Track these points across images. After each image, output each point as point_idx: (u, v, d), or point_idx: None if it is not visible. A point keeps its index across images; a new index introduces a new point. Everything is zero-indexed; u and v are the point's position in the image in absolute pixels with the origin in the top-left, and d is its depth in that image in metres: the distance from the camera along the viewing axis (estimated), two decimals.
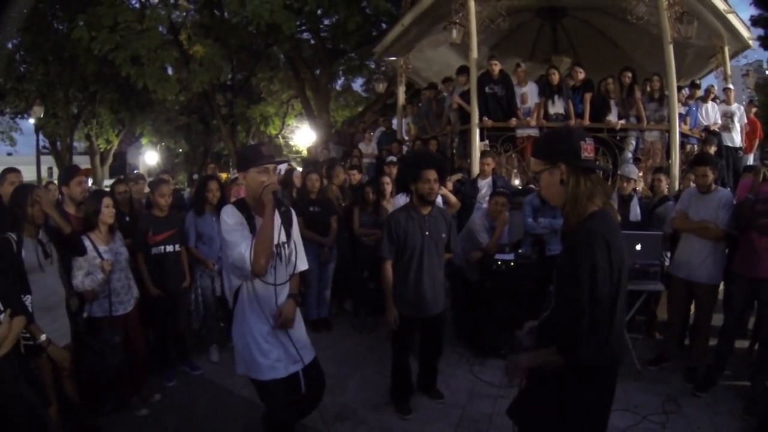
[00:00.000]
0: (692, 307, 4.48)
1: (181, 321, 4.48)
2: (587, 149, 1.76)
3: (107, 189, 5.79)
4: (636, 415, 3.55)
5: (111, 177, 18.84)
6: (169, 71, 12.34)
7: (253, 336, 2.57)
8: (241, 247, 2.42)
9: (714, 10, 7.26)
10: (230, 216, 2.51)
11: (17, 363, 2.42)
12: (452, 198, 5.16)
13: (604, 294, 1.66)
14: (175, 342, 4.47)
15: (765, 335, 3.89)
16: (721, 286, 4.41)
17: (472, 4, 7.17)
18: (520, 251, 4.96)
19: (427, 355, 3.92)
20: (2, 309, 2.30)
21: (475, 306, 4.83)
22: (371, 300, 5.52)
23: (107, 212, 3.59)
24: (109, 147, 20.75)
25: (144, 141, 25.93)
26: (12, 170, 4.35)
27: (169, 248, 4.25)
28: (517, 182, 7.21)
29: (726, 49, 8.40)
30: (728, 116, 7.93)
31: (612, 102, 7.20)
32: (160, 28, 11.74)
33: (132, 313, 3.79)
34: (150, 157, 26.57)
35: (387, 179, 5.83)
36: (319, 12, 12.59)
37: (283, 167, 7.00)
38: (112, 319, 3.55)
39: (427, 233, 3.56)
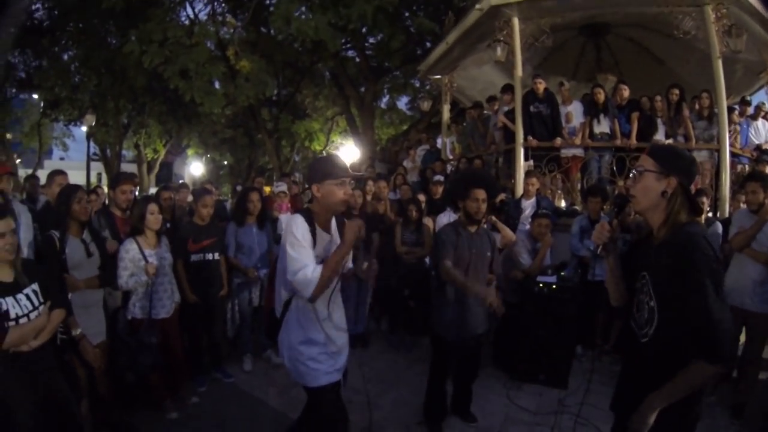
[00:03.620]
0: (742, 337, 4.21)
1: (216, 328, 4.55)
2: (695, 184, 1.77)
3: (152, 195, 5.97)
4: None
5: (157, 185, 19.53)
6: (216, 85, 12.73)
7: (306, 344, 2.52)
8: (308, 270, 2.31)
9: (764, 21, 6.92)
10: (299, 229, 2.39)
11: (53, 355, 2.51)
12: (508, 232, 4.91)
13: (721, 289, 1.66)
14: (209, 349, 4.55)
15: None
16: None
17: (516, 22, 7.13)
18: (563, 274, 4.81)
19: (463, 377, 3.87)
20: (43, 301, 2.40)
21: (514, 329, 4.71)
22: (410, 318, 5.47)
23: (152, 219, 3.69)
24: (156, 156, 21.60)
25: (190, 152, 26.89)
26: (59, 173, 4.56)
27: (209, 256, 4.36)
28: (562, 204, 7.05)
29: None
30: None
31: (659, 121, 6.97)
32: (208, 44, 12.14)
33: (172, 317, 3.89)
34: (195, 168, 27.42)
35: (423, 197, 5.80)
36: (363, 30, 12.72)
37: None
38: (152, 321, 3.64)
39: (474, 251, 3.54)
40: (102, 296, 3.46)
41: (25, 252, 3.23)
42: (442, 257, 3.48)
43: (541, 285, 4.60)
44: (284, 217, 5.55)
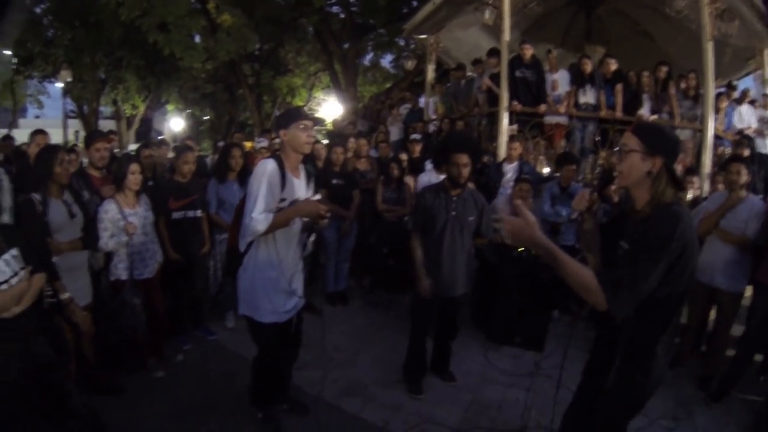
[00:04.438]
0: (712, 313, 4.37)
1: (198, 286, 4.52)
2: (679, 161, 1.78)
3: (133, 153, 5.82)
4: (645, 417, 3.44)
5: (137, 142, 19.03)
6: (197, 39, 12.35)
7: (262, 281, 2.78)
8: (260, 216, 2.59)
9: (757, 9, 6.95)
10: (267, 173, 2.66)
11: (38, 319, 2.46)
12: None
13: (656, 271, 1.69)
14: (191, 306, 4.53)
15: None
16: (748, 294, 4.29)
17: None
18: None
19: (443, 336, 3.95)
20: (23, 266, 2.33)
21: (493, 291, 4.81)
22: (389, 276, 5.54)
23: (133, 179, 3.61)
24: (135, 112, 20.95)
25: (170, 108, 26.11)
26: (40, 132, 4.44)
27: (190, 214, 4.29)
28: (544, 170, 7.07)
29: (766, 52, 8.07)
30: (765, 122, 7.65)
31: (645, 96, 7.02)
32: None
33: (155, 276, 3.86)
34: (175, 124, 26.69)
35: (404, 156, 5.79)
36: None
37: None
38: (135, 282, 3.61)
39: (453, 213, 3.55)
40: (86, 258, 3.39)
41: (7, 218, 3.10)
42: (409, 228, 3.68)
43: (520, 249, 4.63)
44: None
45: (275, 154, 2.98)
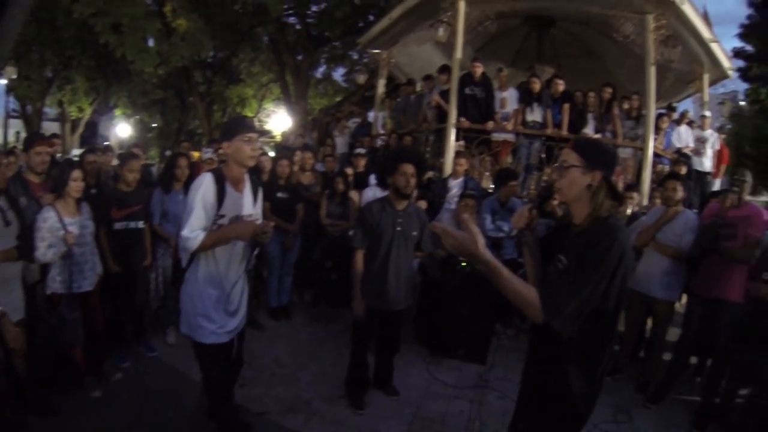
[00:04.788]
0: (649, 321, 4.60)
1: (139, 300, 4.35)
2: (615, 174, 1.81)
3: (76, 159, 5.61)
4: (588, 423, 3.60)
5: (81, 147, 18.29)
6: (150, 43, 12.04)
7: (202, 300, 2.66)
8: (192, 234, 2.51)
9: (698, 37, 7.43)
10: (202, 188, 2.56)
11: None
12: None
13: (600, 284, 1.71)
14: (132, 321, 4.36)
15: (717, 354, 4.01)
16: (683, 302, 4.52)
17: (461, 5, 7.20)
18: None
19: (384, 351, 3.94)
20: None
21: (436, 305, 4.84)
22: (332, 291, 5.49)
23: (74, 186, 3.44)
24: (81, 115, 20.13)
25: (118, 112, 25.14)
26: None
27: (133, 224, 4.13)
28: (491, 186, 7.22)
29: (705, 76, 8.64)
30: (701, 141, 8.14)
31: (590, 116, 7.30)
32: None
33: (94, 290, 3.67)
34: (122, 130, 25.77)
35: (350, 170, 5.81)
36: None
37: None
38: (73, 295, 3.42)
39: (398, 228, 3.57)
40: (20, 269, 3.19)
41: None
42: (353, 245, 3.65)
43: (463, 263, 4.71)
44: None
45: (217, 167, 2.88)
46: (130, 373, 4.00)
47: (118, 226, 4.05)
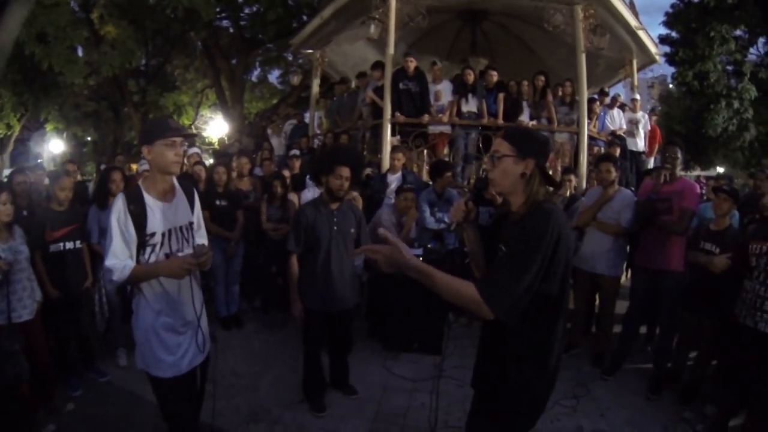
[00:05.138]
0: (597, 297, 4.80)
1: (84, 324, 4.15)
2: (549, 161, 1.82)
3: (5, 180, 5.30)
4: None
5: (11, 166, 17.25)
6: (79, 52, 11.53)
7: (155, 330, 2.39)
8: (118, 265, 2.25)
9: (626, 25, 7.83)
10: (114, 213, 2.30)
11: None
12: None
13: (539, 269, 1.70)
14: (79, 347, 4.14)
15: (664, 322, 4.25)
16: (628, 275, 4.74)
17: (393, 1, 7.24)
18: (429, 246, 4.99)
19: (337, 351, 3.95)
20: None
21: (386, 301, 4.88)
22: (281, 295, 5.42)
23: (3, 210, 3.24)
24: (9, 133, 18.98)
25: (49, 128, 23.78)
26: None
27: (70, 245, 3.93)
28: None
29: (634, 62, 9.11)
30: (634, 123, 8.59)
31: (525, 104, 7.50)
32: (72, 4, 10.92)
33: (35, 318, 3.45)
34: (55, 146, 24.47)
35: (287, 173, 5.79)
36: (240, 0, 12.17)
37: (192, 151, 6.75)
38: (13, 325, 3.20)
39: (335, 228, 3.58)
40: None
41: None
42: (288, 249, 3.60)
43: None
44: None
45: (135, 183, 2.54)
46: (82, 402, 3.80)
47: (53, 248, 3.84)
